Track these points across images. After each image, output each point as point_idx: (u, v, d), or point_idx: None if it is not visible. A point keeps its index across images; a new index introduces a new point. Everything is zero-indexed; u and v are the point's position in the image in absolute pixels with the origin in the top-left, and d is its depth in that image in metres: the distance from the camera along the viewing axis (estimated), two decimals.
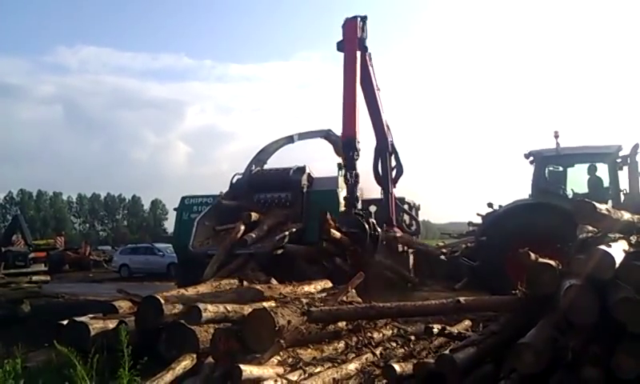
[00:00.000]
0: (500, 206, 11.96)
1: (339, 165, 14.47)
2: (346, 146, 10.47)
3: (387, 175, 12.12)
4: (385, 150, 12.47)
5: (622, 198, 10.54)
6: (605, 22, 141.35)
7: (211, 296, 7.07)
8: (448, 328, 5.26)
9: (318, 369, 4.86)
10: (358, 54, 11.04)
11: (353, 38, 11.04)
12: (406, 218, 13.04)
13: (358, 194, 13.29)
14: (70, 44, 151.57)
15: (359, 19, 11.26)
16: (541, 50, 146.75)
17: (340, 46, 11.15)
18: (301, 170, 12.22)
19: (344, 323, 5.86)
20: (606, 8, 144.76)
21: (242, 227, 10.71)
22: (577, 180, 11.64)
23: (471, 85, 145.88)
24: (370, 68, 11.96)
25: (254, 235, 10.68)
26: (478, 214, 14.24)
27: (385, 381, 4.22)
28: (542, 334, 3.45)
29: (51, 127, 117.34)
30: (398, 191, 13.49)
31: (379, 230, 10.70)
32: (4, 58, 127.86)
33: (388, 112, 12.96)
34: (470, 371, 3.77)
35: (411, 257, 12.37)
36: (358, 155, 10.53)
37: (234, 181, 12.48)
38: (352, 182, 10.37)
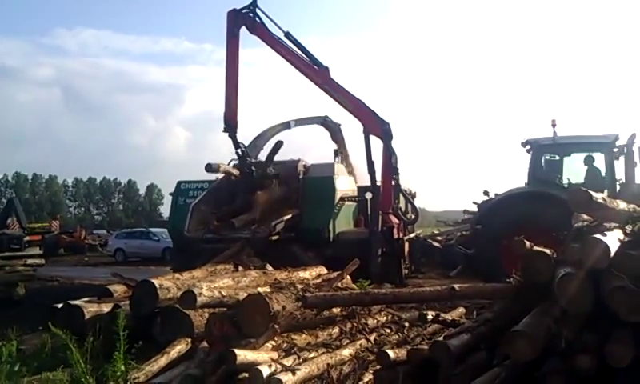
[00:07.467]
0: (496, 195, 12.01)
1: (335, 151, 14.49)
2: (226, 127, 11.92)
3: (370, 159, 11.92)
4: (365, 131, 12.09)
5: (618, 187, 10.58)
6: (602, 11, 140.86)
7: (206, 281, 7.07)
8: (442, 315, 5.28)
9: (312, 354, 4.86)
10: (234, 41, 12.05)
11: (228, 29, 12.04)
12: (402, 205, 12.97)
13: (353, 178, 13.34)
14: (70, 26, 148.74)
15: (235, 11, 12.06)
16: (539, 37, 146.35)
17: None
18: (296, 160, 12.31)
19: (338, 309, 5.87)
20: None
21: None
22: (573, 169, 11.67)
23: (469, 72, 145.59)
24: (282, 43, 11.96)
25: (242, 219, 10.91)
26: (474, 202, 14.32)
27: (379, 366, 4.23)
28: (535, 322, 3.46)
29: (49, 110, 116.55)
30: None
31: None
32: (2, 39, 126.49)
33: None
34: (463, 358, 3.78)
35: (406, 244, 12.37)
36: (235, 134, 11.90)
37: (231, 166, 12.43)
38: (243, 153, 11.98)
